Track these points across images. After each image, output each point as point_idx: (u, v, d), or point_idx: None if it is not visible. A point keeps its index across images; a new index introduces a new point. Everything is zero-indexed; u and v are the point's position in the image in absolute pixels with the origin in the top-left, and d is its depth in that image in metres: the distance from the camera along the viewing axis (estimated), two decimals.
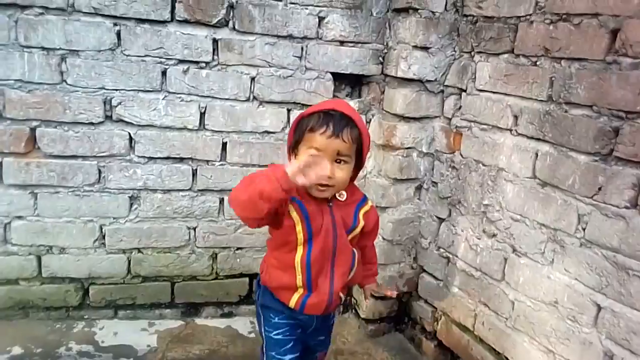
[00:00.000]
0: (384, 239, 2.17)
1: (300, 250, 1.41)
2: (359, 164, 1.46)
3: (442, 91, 2.07)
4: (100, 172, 2.02)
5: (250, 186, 1.23)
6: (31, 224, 2.01)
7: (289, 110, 2.14)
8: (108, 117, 1.99)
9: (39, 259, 2.05)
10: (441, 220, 2.10)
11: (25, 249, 2.03)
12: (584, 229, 1.53)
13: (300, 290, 1.44)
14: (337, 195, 1.44)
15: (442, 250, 2.10)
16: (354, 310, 2.37)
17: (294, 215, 1.38)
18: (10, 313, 2.07)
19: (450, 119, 2.05)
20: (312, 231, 1.39)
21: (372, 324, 2.25)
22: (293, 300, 1.44)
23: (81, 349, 1.95)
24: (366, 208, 1.51)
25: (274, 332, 1.50)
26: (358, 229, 1.48)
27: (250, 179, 1.25)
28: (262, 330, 1.53)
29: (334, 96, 2.19)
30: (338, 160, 1.36)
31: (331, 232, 1.41)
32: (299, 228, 1.39)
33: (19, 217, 2.00)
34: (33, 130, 1.93)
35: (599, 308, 1.49)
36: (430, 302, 2.17)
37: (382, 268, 2.19)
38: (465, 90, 1.97)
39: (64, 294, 2.10)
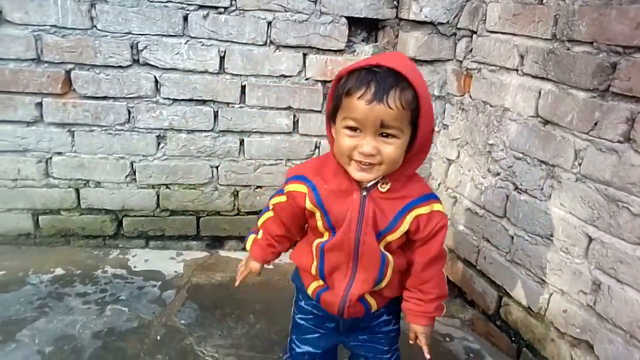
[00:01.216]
0: None
1: (325, 236, 1.20)
2: (419, 141, 1.10)
3: (455, 34, 2.10)
4: (129, 112, 2.18)
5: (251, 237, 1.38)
6: (69, 159, 2.21)
7: (304, 55, 2.22)
8: (135, 61, 2.13)
9: (77, 191, 2.26)
10: (450, 161, 2.17)
11: (65, 182, 2.24)
12: (579, 164, 1.58)
13: (320, 281, 1.25)
14: (379, 184, 1.14)
15: (450, 190, 2.18)
16: None
17: (308, 204, 1.18)
18: (53, 240, 2.30)
19: (461, 62, 2.09)
20: (331, 221, 1.17)
21: None
22: (311, 288, 1.27)
23: (115, 272, 2.17)
24: (420, 211, 1.16)
25: (299, 315, 1.34)
26: (397, 235, 1.16)
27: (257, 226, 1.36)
28: (292, 308, 1.38)
29: (349, 41, 2.24)
30: (384, 134, 1.05)
31: (354, 227, 1.14)
32: (317, 215, 1.18)
33: (59, 153, 2.19)
34: (68, 72, 2.10)
35: (590, 239, 1.55)
36: None
37: None
38: (476, 32, 2.00)
39: (100, 224, 2.32)
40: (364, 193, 1.14)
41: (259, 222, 1.35)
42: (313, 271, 1.24)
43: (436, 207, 1.18)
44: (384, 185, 1.14)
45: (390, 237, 1.16)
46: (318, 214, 1.18)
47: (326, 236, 1.20)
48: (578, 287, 1.59)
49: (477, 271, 2.03)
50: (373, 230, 1.14)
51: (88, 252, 2.30)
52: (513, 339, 1.85)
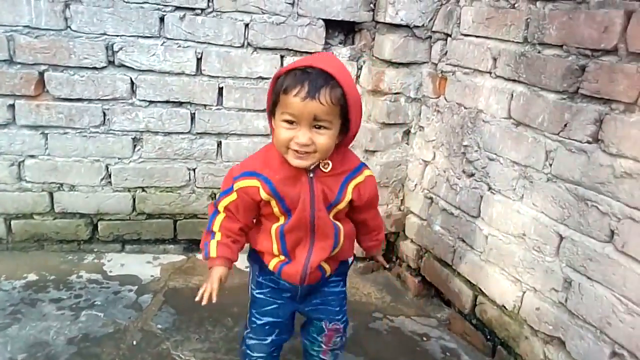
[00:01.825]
0: None
1: (281, 221, 1.34)
2: (348, 128, 1.28)
3: (430, 37, 2.13)
4: (104, 114, 2.16)
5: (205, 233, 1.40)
6: (43, 163, 2.17)
7: (282, 57, 2.22)
8: (111, 62, 2.10)
9: (51, 195, 2.22)
10: (426, 162, 2.19)
11: (38, 186, 2.20)
12: (550, 165, 1.61)
13: (281, 257, 1.37)
14: (321, 165, 1.29)
15: (426, 191, 2.20)
16: None
17: (263, 195, 1.29)
18: (26, 245, 2.26)
19: (436, 64, 2.11)
20: (286, 206, 1.30)
21: (361, 261, 2.38)
22: (272, 263, 1.38)
23: (90, 277, 2.14)
24: (359, 179, 1.35)
25: (257, 291, 1.45)
26: (343, 204, 1.34)
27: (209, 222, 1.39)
28: (249, 286, 1.50)
29: (326, 43, 2.26)
30: (317, 126, 1.20)
31: (308, 206, 1.30)
32: (273, 203, 1.31)
33: (32, 156, 2.16)
34: (42, 74, 2.06)
35: (561, 238, 1.59)
36: (415, 241, 2.29)
37: None
38: (450, 35, 2.03)
39: (75, 228, 2.28)
40: (311, 175, 1.29)
41: (215, 227, 1.38)
42: (275, 251, 1.36)
43: (366, 172, 1.38)
44: (326, 166, 1.30)
45: (338, 208, 1.34)
46: (273, 202, 1.30)
47: (282, 219, 1.33)
48: (550, 285, 1.63)
49: (453, 271, 2.05)
50: (324, 206, 1.31)
51: (62, 257, 2.26)
52: (488, 337, 1.88)
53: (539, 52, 1.64)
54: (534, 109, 1.66)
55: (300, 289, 1.42)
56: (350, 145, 1.38)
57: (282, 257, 1.37)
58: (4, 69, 2.02)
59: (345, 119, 1.25)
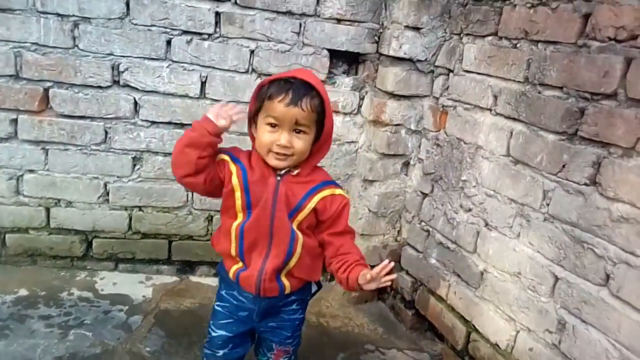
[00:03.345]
0: (369, 210, 2.28)
1: (239, 218, 1.38)
2: (323, 138, 1.38)
3: (432, 71, 2.16)
4: (106, 132, 2.17)
5: (180, 139, 1.33)
6: (42, 178, 2.17)
7: None
8: (115, 82, 2.12)
9: (47, 210, 2.22)
10: (425, 195, 2.20)
11: (35, 201, 2.20)
12: (548, 204, 1.61)
13: (240, 263, 1.41)
14: (290, 170, 1.37)
15: (423, 223, 2.20)
16: None
17: (234, 180, 1.36)
18: (19, 259, 2.25)
19: (438, 98, 2.13)
20: (250, 200, 1.35)
21: (355, 292, 2.37)
22: (232, 271, 1.43)
23: (82, 295, 2.12)
24: (324, 193, 1.39)
25: (217, 303, 1.51)
26: (305, 212, 1.37)
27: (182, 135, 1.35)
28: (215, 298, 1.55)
29: (330, 72, 2.28)
30: (297, 130, 1.31)
31: (269, 206, 1.34)
32: (237, 194, 1.36)
33: (31, 171, 2.16)
34: (46, 90, 2.08)
35: (556, 279, 1.58)
36: (410, 273, 2.28)
37: (367, 239, 2.31)
38: (452, 71, 2.05)
39: (69, 245, 2.27)
40: (278, 178, 1.36)
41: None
42: (233, 252, 1.40)
43: (337, 191, 1.42)
44: (294, 170, 1.37)
45: (301, 216, 1.37)
46: (238, 193, 1.36)
47: (240, 217, 1.38)
48: (544, 326, 1.61)
49: (447, 305, 2.04)
50: (285, 209, 1.36)
51: (55, 273, 2.25)
52: None
53: (539, 93, 1.65)
54: (532, 148, 1.67)
55: (258, 307, 1.45)
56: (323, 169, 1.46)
57: (240, 264, 1.41)
58: (9, 83, 2.04)
59: (321, 125, 1.35)
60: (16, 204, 2.19)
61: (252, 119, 1.39)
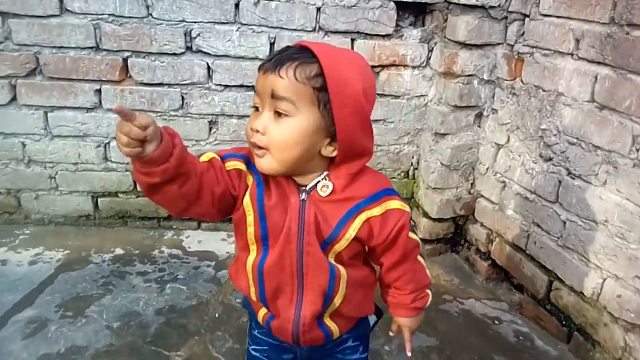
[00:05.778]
0: (442, 164, 2.27)
1: (253, 252, 1.00)
2: (340, 130, 0.90)
3: (506, 17, 2.08)
4: (183, 98, 2.25)
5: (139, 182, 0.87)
6: None
7: (352, 40, 2.23)
8: (188, 48, 2.18)
9: None
10: (499, 146, 2.17)
11: (122, 166, 2.33)
12: (637, 150, 1.56)
13: (265, 309, 1.06)
14: (318, 187, 0.95)
15: (498, 175, 2.18)
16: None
17: (247, 200, 0.95)
18: (111, 221, 2.41)
19: (512, 46, 2.07)
20: (266, 229, 0.95)
21: (429, 244, 2.40)
22: (260, 315, 1.08)
23: (172, 252, 2.27)
24: (370, 213, 0.96)
25: (253, 347, 1.17)
26: (343, 243, 0.96)
27: None
28: (247, 338, 1.21)
29: (397, 25, 2.24)
30: (278, 112, 0.88)
31: (295, 238, 0.95)
32: (249, 219, 0.95)
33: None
34: (125, 60, 2.17)
35: None
36: (485, 225, 2.28)
37: (440, 192, 2.31)
38: (528, 16, 1.98)
39: (155, 206, 2.41)
40: (303, 196, 0.95)
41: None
42: (253, 297, 1.04)
43: (392, 204, 0.98)
44: (324, 189, 0.94)
45: (338, 247, 0.96)
46: (251, 218, 0.95)
47: (254, 251, 0.99)
48: (633, 273, 1.59)
49: (526, 255, 2.04)
50: (317, 240, 0.95)
51: (144, 233, 2.40)
52: (563, 322, 1.87)
53: (627, 34, 1.58)
54: (620, 92, 1.61)
55: (300, 352, 1.11)
56: (369, 162, 0.98)
57: (266, 310, 1.05)
58: (91, 55, 2.15)
59: (327, 113, 0.88)
60: (105, 169, 2.33)
61: None
